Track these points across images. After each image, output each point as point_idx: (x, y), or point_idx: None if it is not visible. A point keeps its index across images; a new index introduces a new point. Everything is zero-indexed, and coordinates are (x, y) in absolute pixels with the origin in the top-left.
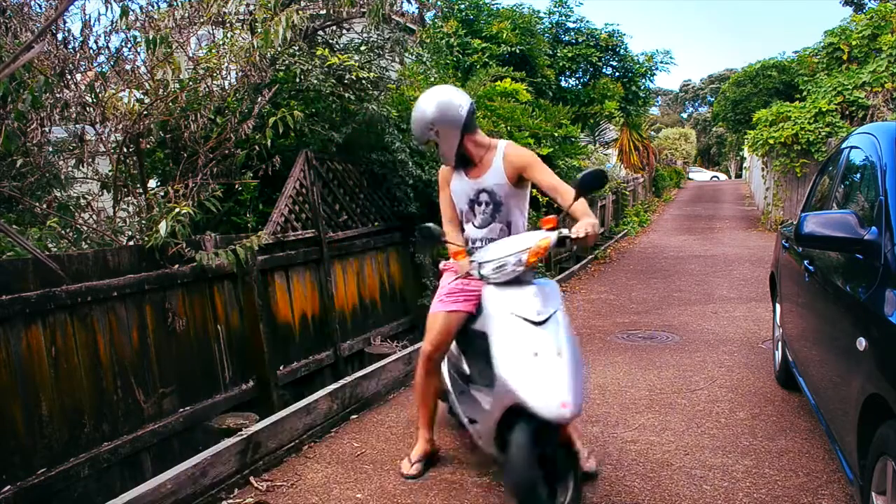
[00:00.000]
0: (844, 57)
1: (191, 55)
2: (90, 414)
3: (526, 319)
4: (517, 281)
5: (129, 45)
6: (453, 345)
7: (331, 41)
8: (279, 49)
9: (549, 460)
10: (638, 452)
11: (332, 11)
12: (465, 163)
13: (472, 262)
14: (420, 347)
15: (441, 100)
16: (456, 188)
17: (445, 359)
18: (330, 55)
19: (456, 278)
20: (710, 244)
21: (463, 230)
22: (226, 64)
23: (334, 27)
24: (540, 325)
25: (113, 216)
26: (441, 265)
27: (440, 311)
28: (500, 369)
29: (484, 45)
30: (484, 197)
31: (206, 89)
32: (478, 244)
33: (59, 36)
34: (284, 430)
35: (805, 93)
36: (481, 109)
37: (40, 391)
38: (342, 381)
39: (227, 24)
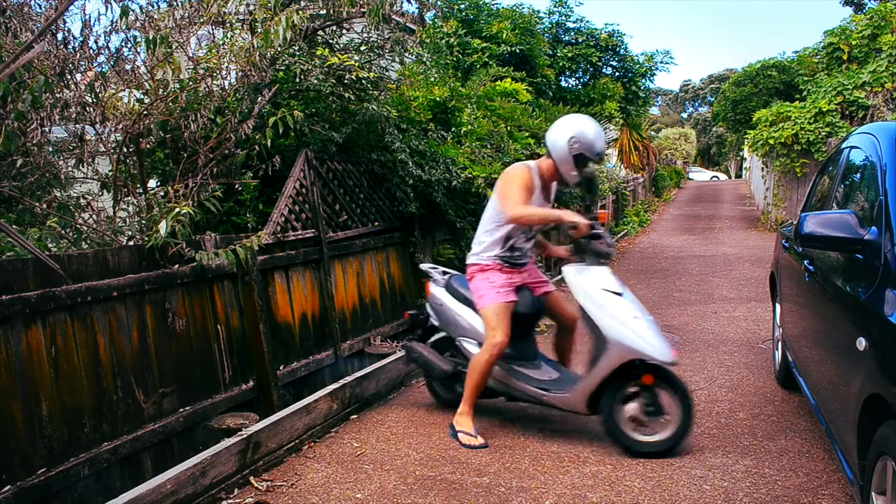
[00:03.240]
0: (844, 57)
1: (191, 55)
2: (90, 414)
3: (613, 292)
4: (592, 263)
5: (129, 45)
6: (482, 325)
7: (331, 41)
8: (279, 49)
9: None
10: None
11: (332, 11)
12: (548, 188)
13: (593, 227)
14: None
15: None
16: (535, 204)
17: (459, 343)
18: (330, 55)
19: (577, 234)
20: (710, 244)
21: (508, 238)
22: (226, 64)
23: (334, 27)
24: (622, 296)
25: (113, 216)
26: (473, 267)
27: (501, 301)
28: (612, 333)
29: (484, 45)
30: None
31: (206, 89)
32: (517, 254)
33: (59, 36)
34: (284, 430)
35: (805, 93)
36: (481, 109)
37: (40, 391)
38: (342, 381)
39: (227, 24)
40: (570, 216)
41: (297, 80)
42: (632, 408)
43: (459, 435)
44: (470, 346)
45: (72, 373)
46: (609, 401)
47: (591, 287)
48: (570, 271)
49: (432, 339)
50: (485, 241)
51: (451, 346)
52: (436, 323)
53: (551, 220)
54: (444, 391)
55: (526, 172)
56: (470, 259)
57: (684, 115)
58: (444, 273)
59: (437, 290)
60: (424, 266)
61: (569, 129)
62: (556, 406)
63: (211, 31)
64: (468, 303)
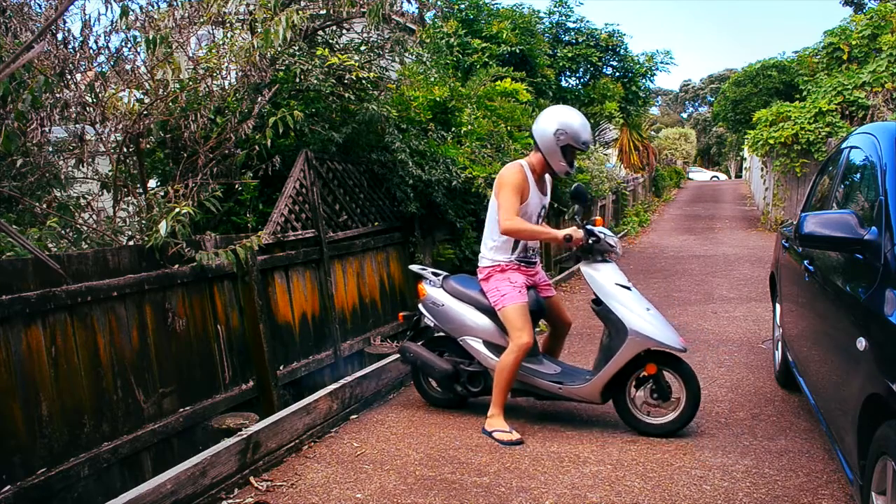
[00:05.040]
0: (844, 57)
1: (191, 55)
2: (90, 414)
3: (625, 287)
4: (601, 260)
5: (129, 45)
6: (492, 324)
7: (331, 41)
8: (279, 49)
9: (663, 386)
10: (638, 452)
11: (332, 11)
12: (542, 180)
13: (590, 232)
14: (517, 341)
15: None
16: (533, 201)
17: (466, 341)
18: (330, 55)
19: (576, 249)
20: (710, 244)
21: (519, 239)
22: (226, 64)
23: (334, 27)
24: (631, 290)
25: (113, 216)
26: (489, 269)
27: (521, 302)
28: (633, 324)
29: (484, 45)
30: (543, 212)
31: (206, 89)
32: (530, 253)
33: (59, 36)
34: (284, 430)
35: (805, 93)
36: (481, 109)
37: (40, 391)
38: (342, 381)
39: (227, 24)
40: (561, 234)
41: (297, 80)
42: (642, 394)
43: (494, 433)
44: (476, 345)
45: (72, 373)
46: (621, 388)
47: (605, 282)
48: (587, 269)
49: (422, 339)
50: (497, 243)
51: (445, 346)
52: (430, 323)
53: (543, 238)
54: (438, 391)
55: (520, 172)
56: (484, 261)
57: (684, 115)
58: (436, 274)
59: (433, 291)
60: (415, 267)
61: (554, 121)
62: (570, 397)
63: (211, 31)
64: (474, 302)
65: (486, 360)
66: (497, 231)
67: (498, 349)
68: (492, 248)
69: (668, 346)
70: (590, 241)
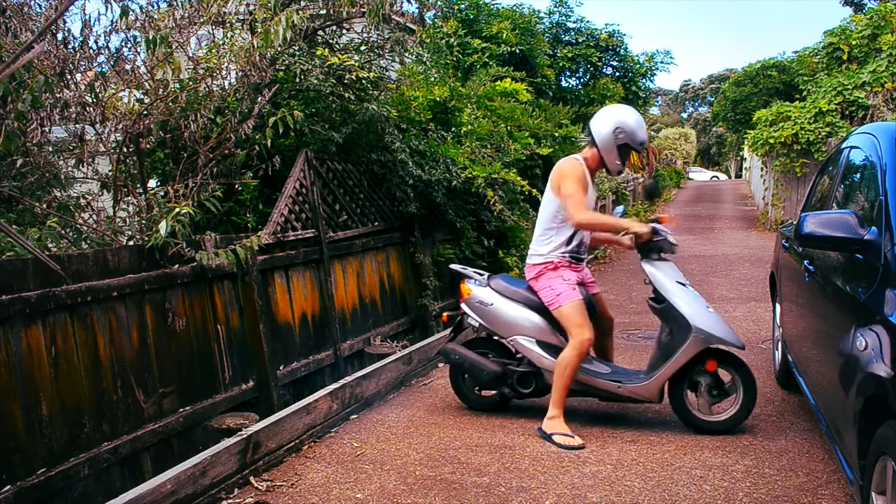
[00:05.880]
0: (844, 57)
1: (191, 55)
2: (90, 414)
3: (684, 285)
4: (660, 258)
5: (129, 45)
6: (545, 322)
7: (331, 41)
8: (279, 49)
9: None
10: (638, 452)
11: (332, 11)
12: (594, 176)
13: (655, 230)
14: (579, 338)
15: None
16: (590, 196)
17: (519, 340)
18: (330, 55)
19: (640, 241)
20: (709, 244)
21: (574, 234)
22: (226, 64)
23: (334, 27)
24: (688, 288)
25: (113, 216)
26: (541, 266)
27: (578, 300)
28: (697, 322)
29: (484, 45)
30: (592, 206)
31: (206, 89)
32: (582, 248)
33: (59, 36)
34: (284, 430)
35: (805, 93)
36: (481, 109)
37: (40, 391)
38: (342, 381)
39: (227, 24)
40: (636, 227)
41: (297, 80)
42: (700, 392)
43: (554, 437)
44: (529, 344)
45: (72, 373)
46: (679, 386)
47: (668, 280)
48: (649, 267)
49: (458, 339)
50: (550, 239)
51: (488, 347)
52: (476, 323)
53: (618, 228)
54: (477, 393)
55: (580, 168)
56: (534, 258)
57: (684, 115)
58: (479, 273)
59: (480, 291)
60: (456, 267)
61: (612, 119)
62: (629, 396)
63: (211, 31)
64: (525, 301)
65: (539, 359)
66: (550, 227)
67: (551, 348)
68: (544, 245)
69: (730, 344)
70: (654, 239)
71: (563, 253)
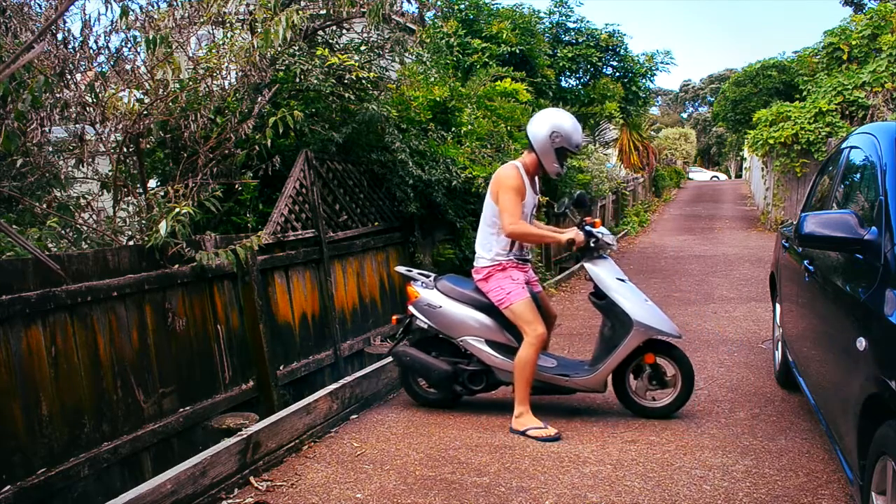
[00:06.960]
0: (844, 57)
1: (191, 55)
2: (90, 414)
3: (623, 280)
4: (600, 256)
5: (129, 45)
6: (493, 322)
7: (331, 41)
8: (279, 49)
9: (659, 373)
10: (638, 452)
11: (332, 11)
12: (534, 179)
13: (589, 234)
14: (534, 334)
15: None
16: (529, 201)
17: (471, 341)
18: (330, 55)
19: (576, 249)
20: (710, 244)
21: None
22: (226, 64)
23: (334, 27)
24: (627, 283)
25: (113, 216)
26: (489, 268)
27: (527, 297)
28: (637, 316)
29: (484, 45)
30: (534, 210)
31: (206, 89)
32: (525, 251)
33: (59, 36)
34: (284, 430)
35: (805, 93)
36: (481, 109)
37: (40, 391)
38: (342, 381)
39: (227, 24)
40: (565, 236)
41: (297, 80)
42: (641, 381)
43: (529, 432)
44: (479, 344)
45: (72, 373)
46: (621, 376)
47: (607, 276)
48: (590, 265)
49: (408, 341)
50: (494, 243)
51: (436, 347)
52: (425, 325)
53: (548, 241)
54: (430, 392)
55: (517, 174)
56: (482, 261)
57: (684, 115)
58: (425, 275)
59: (427, 293)
60: (401, 269)
61: (548, 124)
62: (575, 388)
63: (211, 31)
64: (472, 302)
65: (489, 358)
66: (493, 232)
67: (500, 347)
68: (489, 249)
69: (668, 335)
70: (591, 243)
71: (507, 256)
